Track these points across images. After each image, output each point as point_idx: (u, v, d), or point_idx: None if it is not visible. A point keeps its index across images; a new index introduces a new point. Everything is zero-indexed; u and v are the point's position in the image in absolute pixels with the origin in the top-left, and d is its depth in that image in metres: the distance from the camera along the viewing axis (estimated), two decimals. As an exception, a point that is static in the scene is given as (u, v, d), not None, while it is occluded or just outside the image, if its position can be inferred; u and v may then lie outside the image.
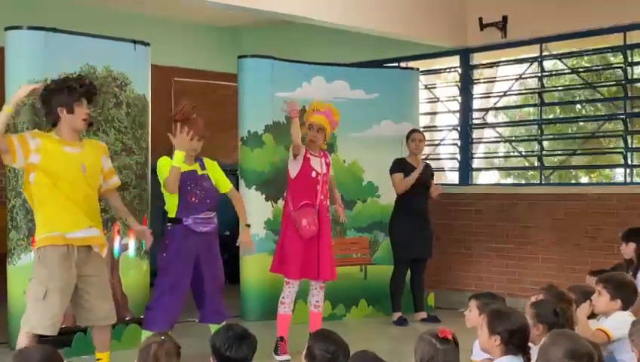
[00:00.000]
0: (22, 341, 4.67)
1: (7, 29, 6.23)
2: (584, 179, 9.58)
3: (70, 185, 4.79)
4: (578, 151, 8.72)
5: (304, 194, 6.10)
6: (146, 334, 5.40)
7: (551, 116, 9.21)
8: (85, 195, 4.88)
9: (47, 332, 4.70)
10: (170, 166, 5.39)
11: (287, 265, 6.10)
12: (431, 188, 7.71)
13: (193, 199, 5.48)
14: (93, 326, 5.03)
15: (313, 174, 6.15)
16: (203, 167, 5.64)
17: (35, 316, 4.69)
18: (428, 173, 7.82)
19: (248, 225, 5.76)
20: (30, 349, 3.13)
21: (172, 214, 5.52)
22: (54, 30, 6.25)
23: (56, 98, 4.85)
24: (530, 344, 3.52)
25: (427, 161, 8.19)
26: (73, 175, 4.80)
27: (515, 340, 3.40)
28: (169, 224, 5.55)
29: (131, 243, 6.53)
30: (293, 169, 6.17)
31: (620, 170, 8.56)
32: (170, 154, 5.59)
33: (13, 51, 6.19)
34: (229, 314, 5.71)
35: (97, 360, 5.07)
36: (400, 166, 7.70)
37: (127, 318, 6.35)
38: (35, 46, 6.16)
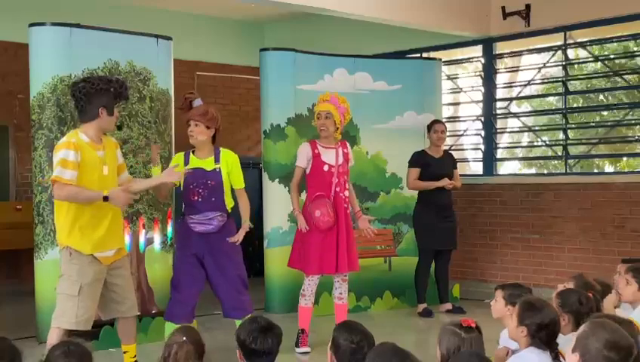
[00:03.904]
0: (53, 336, 4.70)
1: (31, 25, 6.26)
2: (609, 168, 9.49)
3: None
4: (603, 141, 8.64)
5: (318, 187, 6.09)
6: (168, 326, 5.46)
7: (574, 105, 9.12)
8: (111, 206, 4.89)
9: (81, 327, 4.73)
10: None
11: (306, 261, 6.08)
12: (452, 179, 7.66)
13: (195, 198, 5.48)
14: (119, 319, 5.07)
15: (325, 168, 6.11)
16: (217, 160, 5.57)
17: (71, 312, 4.72)
18: (450, 163, 7.79)
19: (250, 226, 5.68)
20: (63, 345, 3.16)
21: (183, 209, 5.63)
22: (78, 26, 6.28)
23: (101, 97, 4.81)
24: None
25: (450, 151, 8.16)
26: (104, 184, 4.81)
27: (543, 335, 3.38)
28: (179, 218, 5.66)
29: (156, 237, 6.56)
30: (307, 167, 6.18)
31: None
32: (193, 147, 5.63)
33: (37, 48, 6.22)
34: (252, 309, 5.68)
35: (124, 352, 5.11)
36: (418, 160, 7.65)
37: (153, 311, 6.39)
38: (58, 42, 6.19)
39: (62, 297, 4.77)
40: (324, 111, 6.10)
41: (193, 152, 5.61)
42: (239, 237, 5.57)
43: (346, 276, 6.22)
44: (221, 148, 5.66)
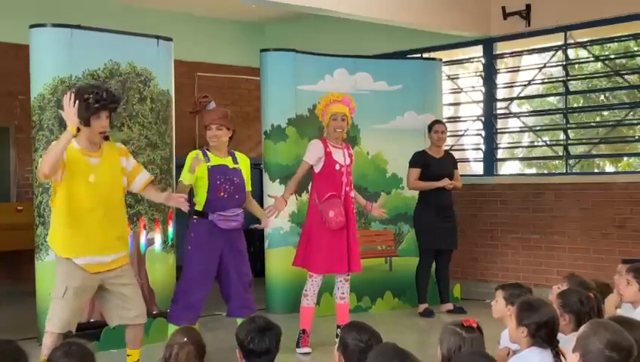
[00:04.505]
0: (46, 339, 4.69)
1: (31, 26, 6.27)
2: (609, 168, 9.50)
3: (88, 203, 4.72)
4: (604, 140, 8.64)
5: (329, 187, 6.09)
6: (172, 328, 5.44)
7: (575, 105, 9.13)
8: (105, 209, 4.79)
9: (64, 329, 4.69)
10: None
11: (312, 260, 6.08)
12: (453, 179, 7.66)
13: (222, 194, 5.50)
14: (127, 325, 5.01)
15: (337, 167, 6.12)
16: (235, 161, 5.67)
17: (58, 314, 4.71)
18: (450, 163, 7.79)
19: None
20: (65, 345, 3.17)
21: (199, 207, 5.56)
22: (78, 27, 6.29)
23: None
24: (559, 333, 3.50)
25: (450, 152, 8.16)
26: (91, 191, 4.73)
27: (543, 333, 3.39)
28: (195, 217, 5.59)
29: (157, 238, 6.57)
30: (317, 165, 6.17)
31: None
32: (194, 148, 5.64)
33: (38, 49, 6.22)
34: (255, 308, 5.72)
35: (128, 356, 5.10)
36: (419, 160, 7.65)
37: (154, 312, 6.39)
38: (59, 43, 6.19)
39: (52, 301, 4.78)
40: (340, 113, 6.11)
41: (208, 150, 5.63)
42: (267, 223, 5.98)
43: (348, 276, 6.23)
44: (234, 151, 5.74)
